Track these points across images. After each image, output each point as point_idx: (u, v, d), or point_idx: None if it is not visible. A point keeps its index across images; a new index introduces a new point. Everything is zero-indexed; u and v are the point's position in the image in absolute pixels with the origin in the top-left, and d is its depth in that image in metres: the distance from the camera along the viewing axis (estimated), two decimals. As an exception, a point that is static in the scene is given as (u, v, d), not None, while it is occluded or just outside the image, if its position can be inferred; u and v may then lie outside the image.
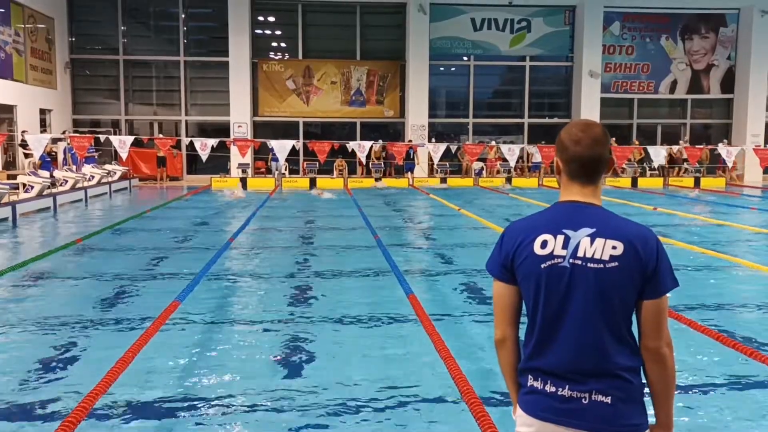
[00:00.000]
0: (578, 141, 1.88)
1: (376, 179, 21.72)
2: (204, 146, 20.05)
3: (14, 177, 16.01)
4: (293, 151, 21.01)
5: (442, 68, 24.96)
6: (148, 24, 24.76)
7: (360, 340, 5.30)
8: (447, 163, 22.48)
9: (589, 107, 23.93)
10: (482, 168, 22.69)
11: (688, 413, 3.88)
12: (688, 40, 25.32)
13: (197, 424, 3.76)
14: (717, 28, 25.23)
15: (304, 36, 24.21)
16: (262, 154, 23.44)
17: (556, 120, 25.61)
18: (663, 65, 25.32)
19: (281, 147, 20.34)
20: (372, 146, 21.64)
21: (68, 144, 19.47)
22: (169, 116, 24.57)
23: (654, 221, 12.13)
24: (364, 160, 22.05)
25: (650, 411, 1.87)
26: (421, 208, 15.75)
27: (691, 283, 7.13)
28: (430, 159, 22.16)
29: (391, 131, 25.16)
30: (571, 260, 1.82)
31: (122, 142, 19.40)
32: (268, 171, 22.83)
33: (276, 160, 21.14)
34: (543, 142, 22.98)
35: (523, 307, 1.95)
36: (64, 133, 20.86)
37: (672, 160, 23.23)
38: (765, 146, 23.56)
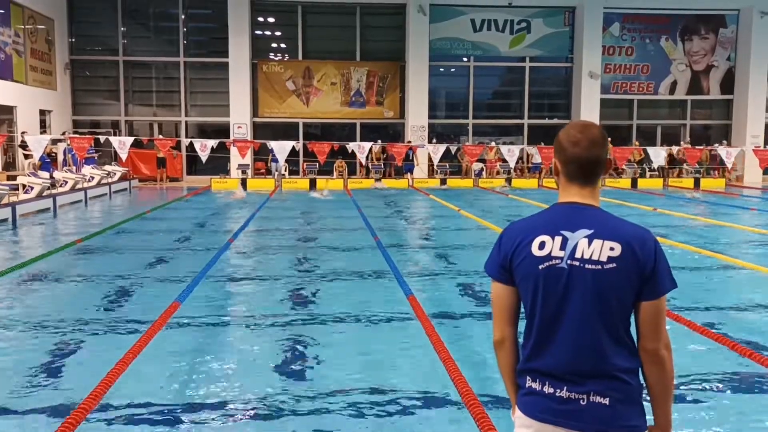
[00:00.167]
0: (576, 142, 1.88)
1: (376, 180, 21.73)
2: (204, 147, 20.05)
3: (14, 178, 16.01)
4: (293, 152, 21.01)
5: (441, 69, 24.97)
6: (147, 25, 24.77)
7: (359, 341, 5.30)
8: (447, 164, 22.48)
9: (588, 108, 23.93)
10: (482, 169, 22.69)
11: (687, 414, 3.88)
12: (688, 41, 25.33)
13: (197, 425, 3.76)
14: (717, 29, 25.24)
15: (304, 37, 24.22)
16: (262, 154, 23.44)
17: (555, 121, 25.62)
18: (663, 66, 25.33)
19: (281, 148, 20.34)
20: (372, 147, 21.66)
21: (68, 145, 19.47)
22: (169, 117, 24.58)
23: (654, 222, 12.14)
24: (364, 161, 22.06)
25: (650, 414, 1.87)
26: (420, 209, 15.76)
27: (691, 284, 7.13)
28: (430, 160, 22.17)
29: (391, 132, 25.16)
30: (569, 261, 1.82)
31: (122, 143, 19.41)
32: (268, 172, 22.83)
33: (276, 161, 21.14)
34: (542, 143, 22.97)
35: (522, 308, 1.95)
36: (63, 134, 20.87)
37: (672, 160, 23.25)
38: (765, 147, 23.59)
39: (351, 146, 21.20)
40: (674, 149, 23.36)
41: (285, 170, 21.95)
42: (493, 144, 23.66)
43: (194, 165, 23.39)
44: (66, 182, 16.28)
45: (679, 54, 25.36)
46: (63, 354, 4.96)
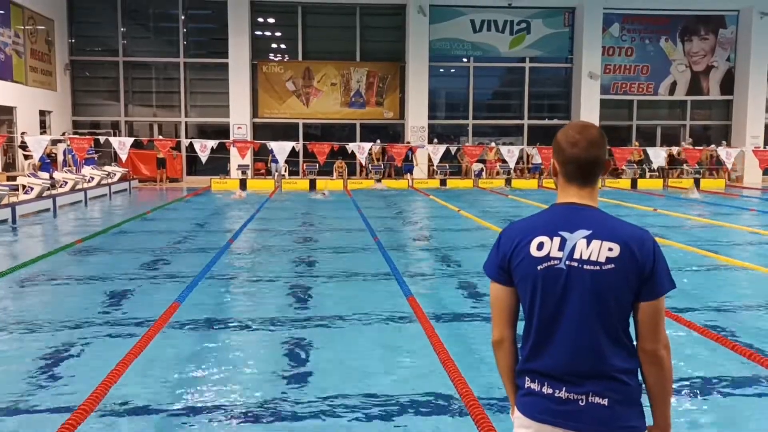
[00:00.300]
0: (575, 143, 1.88)
1: (376, 180, 21.73)
2: (204, 148, 20.05)
3: (14, 178, 16.01)
4: (293, 153, 21.00)
5: (441, 70, 24.98)
6: (147, 25, 24.78)
7: (359, 342, 5.30)
8: (446, 165, 22.48)
9: (588, 109, 23.94)
10: (482, 169, 22.69)
11: (687, 414, 3.88)
12: (688, 41, 25.34)
13: (197, 425, 3.76)
14: (716, 29, 25.26)
15: (304, 37, 24.23)
16: (262, 155, 23.45)
17: (555, 121, 25.64)
18: (662, 67, 25.34)
19: (281, 148, 20.33)
20: (371, 147, 21.66)
21: (68, 145, 19.46)
22: (169, 118, 24.59)
23: (653, 222, 12.14)
24: (363, 162, 22.06)
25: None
26: (420, 209, 15.76)
27: (690, 285, 7.13)
28: (430, 160, 22.17)
29: (391, 132, 25.17)
30: (567, 262, 1.82)
31: (122, 144, 19.39)
32: (268, 172, 22.83)
33: (276, 161, 21.14)
34: (538, 144, 22.99)
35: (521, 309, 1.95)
36: (63, 134, 20.86)
37: (672, 161, 23.27)
38: (765, 147, 23.59)
39: (351, 147, 21.21)
40: (674, 149, 23.37)
41: (285, 171, 21.96)
42: (492, 144, 23.67)
43: (194, 166, 23.41)
44: (66, 183, 16.28)
45: (678, 54, 25.37)
46: (63, 355, 4.96)
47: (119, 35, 23.66)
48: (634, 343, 1.86)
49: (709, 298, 6.64)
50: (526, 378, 1.89)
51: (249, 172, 22.09)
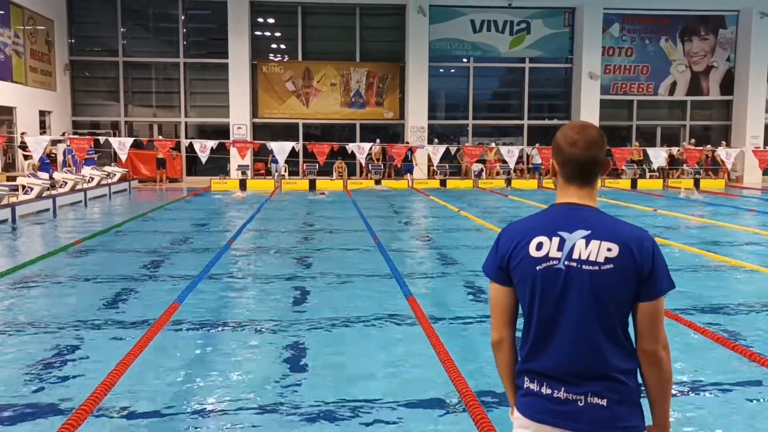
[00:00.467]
0: (574, 143, 1.88)
1: (376, 181, 21.73)
2: (203, 148, 20.05)
3: (14, 179, 16.01)
4: (293, 153, 21.01)
5: (441, 70, 24.97)
6: (147, 26, 24.77)
7: (359, 342, 5.31)
8: (446, 165, 22.47)
9: (588, 109, 23.95)
10: (482, 170, 22.69)
11: (686, 415, 3.88)
12: (688, 41, 25.34)
13: (196, 425, 3.76)
14: (716, 29, 25.26)
15: (304, 38, 24.23)
16: (262, 155, 23.44)
17: (555, 122, 25.64)
18: (662, 67, 25.34)
19: (281, 149, 20.34)
20: (371, 148, 21.66)
21: (68, 146, 19.47)
22: (169, 118, 24.58)
23: (653, 222, 12.14)
24: (363, 162, 22.06)
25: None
26: (420, 209, 15.76)
27: (691, 285, 7.13)
28: (430, 161, 22.17)
29: (391, 133, 25.17)
30: (566, 262, 1.82)
31: (122, 144, 19.41)
32: (268, 173, 22.84)
33: (275, 161, 21.14)
34: (538, 144, 23.01)
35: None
36: (63, 134, 20.86)
37: (673, 161, 23.27)
38: (765, 148, 23.60)
39: (351, 147, 21.22)
40: (674, 150, 23.37)
41: (285, 171, 21.96)
42: (492, 145, 23.67)
43: (194, 166, 23.41)
44: (66, 183, 16.28)
45: (678, 55, 25.37)
46: (63, 355, 4.96)
47: (119, 35, 23.65)
48: (634, 343, 1.85)
49: (709, 299, 6.64)
50: (525, 378, 1.89)
51: (249, 173, 22.09)
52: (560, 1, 24.42)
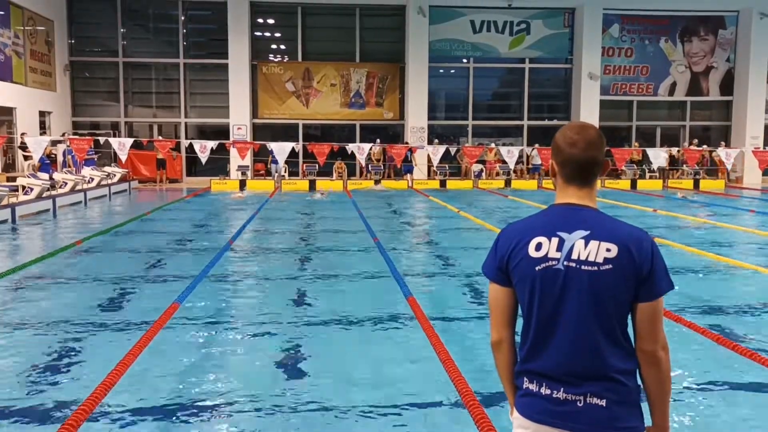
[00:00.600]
0: (573, 143, 1.88)
1: (376, 181, 21.73)
2: (203, 148, 20.06)
3: (14, 179, 16.01)
4: (293, 153, 21.02)
5: (441, 70, 24.97)
6: (147, 26, 24.77)
7: (359, 343, 5.31)
8: (446, 166, 22.47)
9: (588, 109, 23.95)
10: (481, 170, 22.69)
11: (687, 415, 3.88)
12: (687, 42, 25.35)
13: (196, 426, 3.76)
14: (716, 30, 25.26)
15: (304, 38, 24.23)
16: (262, 156, 23.44)
17: (555, 122, 25.64)
18: (662, 67, 25.35)
19: (281, 149, 20.35)
20: (371, 148, 21.67)
21: (68, 146, 19.47)
22: (169, 118, 24.58)
23: (653, 223, 12.14)
24: (363, 162, 22.06)
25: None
26: (420, 210, 15.76)
27: (691, 285, 7.13)
28: (430, 161, 22.17)
29: (391, 133, 25.17)
30: (565, 263, 1.82)
31: (122, 145, 19.42)
32: (268, 173, 22.84)
33: (275, 162, 21.14)
34: (537, 145, 23.01)
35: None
36: (63, 135, 20.86)
37: (673, 161, 23.27)
38: (764, 148, 23.60)
39: (350, 147, 21.22)
40: (674, 150, 23.37)
41: (285, 171, 21.96)
42: (492, 145, 23.67)
43: (194, 166, 23.42)
44: (66, 183, 16.29)
45: (678, 55, 25.37)
46: (63, 355, 4.96)
47: (119, 36, 23.65)
48: (633, 343, 1.86)
49: (710, 299, 6.64)
50: (525, 378, 1.89)
51: (249, 173, 22.09)
52: (560, 2, 24.43)
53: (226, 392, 4.23)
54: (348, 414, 3.90)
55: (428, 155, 21.94)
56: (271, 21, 24.71)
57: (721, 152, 22.19)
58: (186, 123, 24.06)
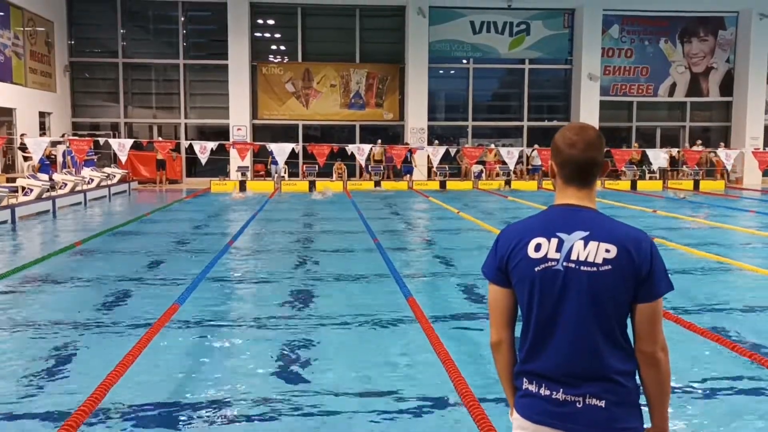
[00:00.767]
0: (573, 144, 1.88)
1: (376, 182, 21.73)
2: (203, 149, 20.06)
3: (13, 180, 16.01)
4: (292, 154, 21.02)
5: (441, 71, 24.98)
6: (147, 27, 24.77)
7: (359, 343, 5.31)
8: (446, 166, 22.47)
9: (588, 110, 23.95)
10: (481, 171, 22.69)
11: (685, 416, 3.88)
12: (687, 43, 25.35)
13: (196, 426, 3.76)
14: (716, 31, 25.27)
15: (304, 39, 24.24)
16: (262, 157, 23.43)
17: (555, 123, 25.65)
18: (662, 68, 25.35)
19: (280, 150, 20.35)
20: (371, 149, 21.67)
21: (67, 147, 19.47)
22: (169, 119, 24.59)
23: (652, 223, 12.14)
24: (363, 163, 22.06)
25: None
26: (420, 211, 15.76)
27: (691, 286, 7.13)
28: (429, 162, 22.17)
29: (391, 134, 25.17)
30: (564, 263, 1.82)
31: (121, 145, 19.42)
32: (268, 174, 22.84)
33: (275, 163, 21.14)
34: (537, 145, 23.02)
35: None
36: (63, 136, 20.86)
37: (674, 162, 23.27)
38: (764, 149, 23.60)
39: (350, 148, 21.21)
40: (673, 151, 23.37)
41: (284, 172, 21.96)
42: (492, 146, 23.67)
43: (194, 167, 23.42)
44: (65, 184, 16.28)
45: (678, 56, 25.38)
46: (62, 356, 4.96)
47: (119, 37, 23.65)
48: (632, 344, 1.85)
49: (710, 299, 6.64)
50: (524, 379, 1.89)
51: (249, 174, 22.08)
52: (560, 3, 24.44)
53: (226, 393, 4.23)
54: (348, 414, 3.89)
55: (428, 156, 21.94)
56: (270, 22, 24.72)
57: (721, 153, 22.19)
58: (186, 124, 24.06)
